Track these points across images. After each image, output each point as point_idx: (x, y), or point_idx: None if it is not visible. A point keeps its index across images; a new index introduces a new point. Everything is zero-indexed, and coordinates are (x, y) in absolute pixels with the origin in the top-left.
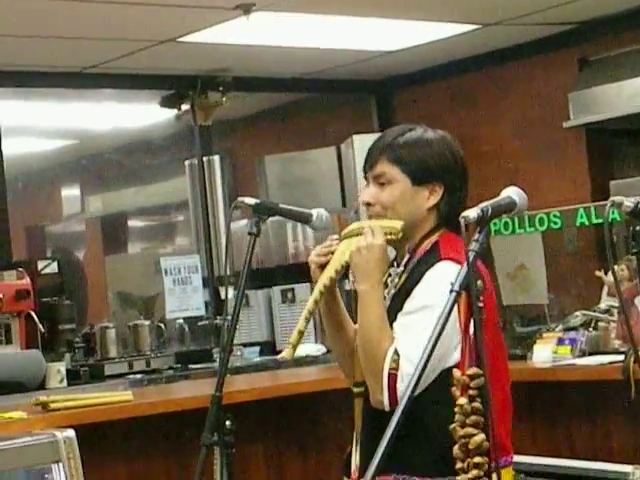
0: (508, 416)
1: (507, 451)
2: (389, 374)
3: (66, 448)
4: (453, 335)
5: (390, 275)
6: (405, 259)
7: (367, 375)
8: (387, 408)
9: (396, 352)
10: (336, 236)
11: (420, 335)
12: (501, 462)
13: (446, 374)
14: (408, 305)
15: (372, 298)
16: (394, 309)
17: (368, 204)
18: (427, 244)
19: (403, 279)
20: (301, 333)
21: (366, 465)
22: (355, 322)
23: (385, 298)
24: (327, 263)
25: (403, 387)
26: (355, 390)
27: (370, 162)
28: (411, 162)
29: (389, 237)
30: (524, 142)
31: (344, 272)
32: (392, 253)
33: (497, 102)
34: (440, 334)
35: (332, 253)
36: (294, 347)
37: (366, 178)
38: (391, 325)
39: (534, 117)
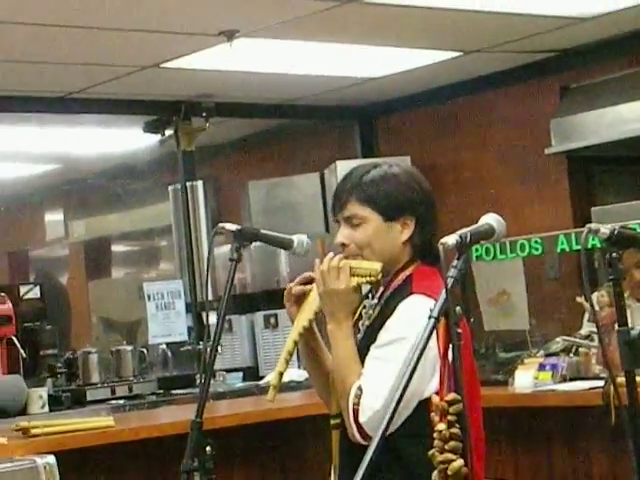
0: (480, 443)
1: (479, 476)
2: (353, 409)
3: (46, 474)
4: (426, 365)
5: (365, 307)
6: (380, 292)
7: (342, 410)
8: (362, 442)
9: (359, 388)
10: (332, 254)
11: (388, 368)
12: None
13: (424, 406)
14: (381, 338)
15: (339, 336)
16: (367, 341)
17: (343, 244)
18: (401, 277)
19: (377, 311)
20: (281, 374)
21: None
22: None
23: (360, 330)
24: (302, 296)
25: (365, 419)
26: (332, 422)
27: (339, 204)
28: (380, 200)
29: (369, 279)
30: (506, 168)
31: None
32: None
33: (479, 129)
34: (417, 363)
35: (311, 282)
36: (275, 388)
37: (337, 220)
38: (365, 357)
39: (516, 144)
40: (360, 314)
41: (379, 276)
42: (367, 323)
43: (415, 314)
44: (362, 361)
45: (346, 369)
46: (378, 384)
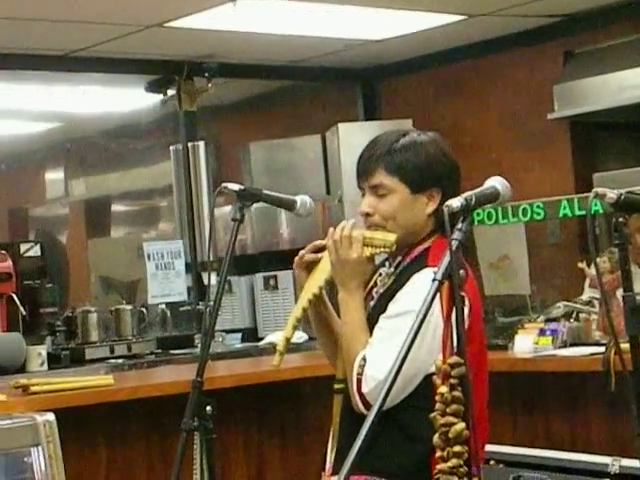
0: (484, 427)
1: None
2: (357, 379)
3: (46, 432)
4: (434, 341)
5: (380, 275)
6: (397, 261)
7: (347, 379)
8: (364, 411)
9: (364, 358)
10: (345, 222)
11: (394, 340)
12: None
13: (430, 380)
14: (391, 308)
15: (349, 305)
16: (379, 310)
17: (367, 214)
18: (419, 249)
19: (391, 281)
20: (288, 340)
21: (341, 463)
22: None
23: (373, 298)
24: (312, 263)
25: (368, 390)
26: (335, 386)
27: (366, 172)
28: (409, 170)
29: (383, 250)
30: (508, 133)
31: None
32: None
33: (482, 93)
34: (419, 328)
35: (322, 249)
36: (282, 354)
37: (361, 188)
38: (375, 325)
39: (519, 108)
40: (375, 281)
41: (393, 247)
42: (381, 291)
43: (427, 288)
44: (372, 328)
45: (353, 338)
46: (382, 355)
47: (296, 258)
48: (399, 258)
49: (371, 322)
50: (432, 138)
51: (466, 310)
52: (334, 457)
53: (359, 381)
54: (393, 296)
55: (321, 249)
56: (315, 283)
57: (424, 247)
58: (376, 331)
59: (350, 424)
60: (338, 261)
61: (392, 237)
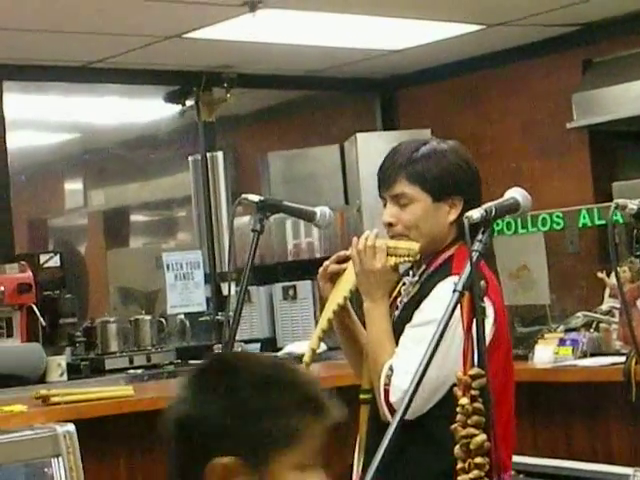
0: (512, 435)
1: (505, 468)
2: (384, 389)
3: (66, 442)
4: (460, 349)
5: (405, 284)
6: (421, 269)
7: (374, 389)
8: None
9: (390, 368)
10: (368, 232)
11: (419, 348)
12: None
13: None
14: (416, 317)
15: (374, 315)
16: (404, 319)
17: (390, 224)
18: (443, 257)
19: (416, 290)
20: (314, 351)
21: None
22: None
23: (398, 307)
24: (336, 274)
25: (395, 399)
26: (361, 397)
27: (388, 182)
28: (430, 179)
29: (407, 259)
30: (527, 142)
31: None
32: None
33: (501, 102)
34: (438, 344)
35: (346, 260)
36: (308, 365)
37: (383, 197)
38: (400, 334)
39: (538, 118)
40: (399, 291)
41: (417, 256)
42: (405, 300)
43: (451, 296)
44: (397, 338)
45: (379, 348)
46: (409, 364)
47: (320, 269)
48: (423, 267)
49: (396, 332)
50: (452, 146)
51: (491, 319)
52: (361, 467)
53: (386, 391)
54: (418, 305)
55: (345, 260)
56: (340, 294)
57: (447, 255)
58: (402, 340)
59: (378, 434)
60: (362, 271)
61: (416, 246)
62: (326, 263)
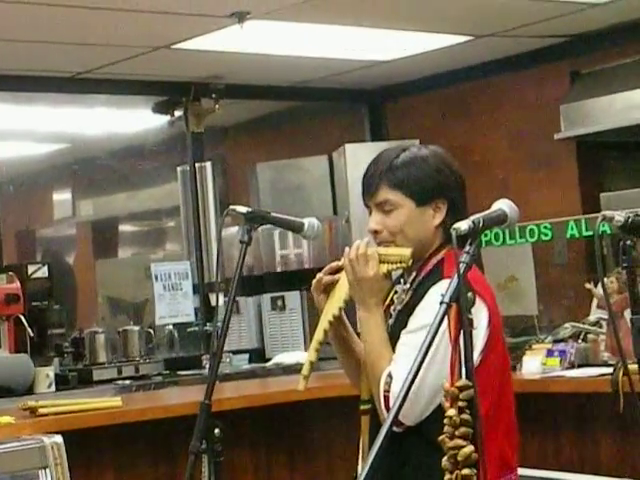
0: (514, 434)
1: (511, 469)
2: (384, 396)
3: (54, 454)
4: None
5: (396, 292)
6: (412, 276)
7: (374, 397)
8: (394, 428)
9: (389, 374)
10: (359, 241)
11: (416, 354)
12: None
13: None
14: (411, 323)
15: (370, 323)
16: (399, 326)
17: (375, 232)
18: (433, 262)
19: (408, 296)
20: (312, 364)
21: None
22: None
23: (391, 315)
24: (330, 285)
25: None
26: (361, 407)
27: (371, 190)
28: (412, 184)
29: (399, 265)
30: (515, 153)
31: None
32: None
33: (489, 113)
34: (427, 350)
35: (339, 271)
36: (306, 378)
37: (367, 206)
38: (396, 342)
39: (525, 129)
40: (392, 299)
41: (409, 262)
42: (399, 308)
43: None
44: (394, 346)
45: (377, 356)
46: (407, 370)
47: (314, 281)
48: (414, 273)
49: (392, 339)
50: (432, 150)
51: (484, 322)
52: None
53: (386, 398)
54: (412, 311)
55: (338, 270)
56: (335, 305)
57: (437, 259)
58: (399, 347)
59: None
60: (356, 280)
61: (407, 252)
62: (319, 275)
